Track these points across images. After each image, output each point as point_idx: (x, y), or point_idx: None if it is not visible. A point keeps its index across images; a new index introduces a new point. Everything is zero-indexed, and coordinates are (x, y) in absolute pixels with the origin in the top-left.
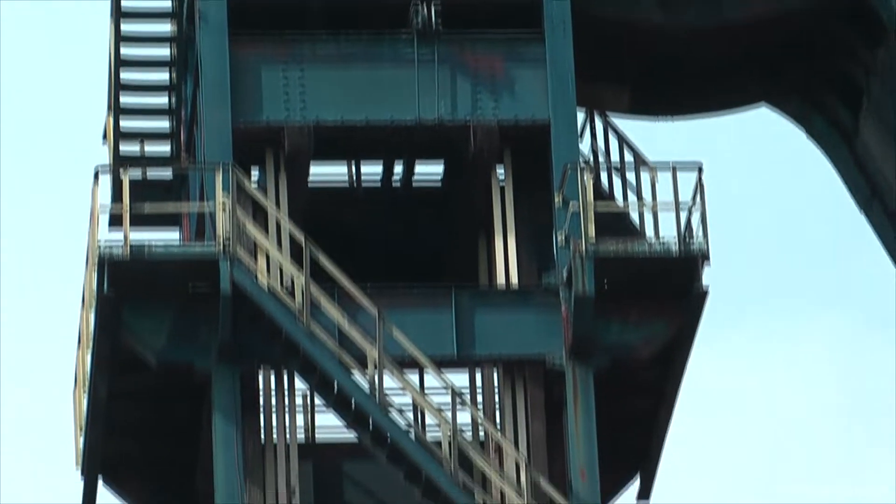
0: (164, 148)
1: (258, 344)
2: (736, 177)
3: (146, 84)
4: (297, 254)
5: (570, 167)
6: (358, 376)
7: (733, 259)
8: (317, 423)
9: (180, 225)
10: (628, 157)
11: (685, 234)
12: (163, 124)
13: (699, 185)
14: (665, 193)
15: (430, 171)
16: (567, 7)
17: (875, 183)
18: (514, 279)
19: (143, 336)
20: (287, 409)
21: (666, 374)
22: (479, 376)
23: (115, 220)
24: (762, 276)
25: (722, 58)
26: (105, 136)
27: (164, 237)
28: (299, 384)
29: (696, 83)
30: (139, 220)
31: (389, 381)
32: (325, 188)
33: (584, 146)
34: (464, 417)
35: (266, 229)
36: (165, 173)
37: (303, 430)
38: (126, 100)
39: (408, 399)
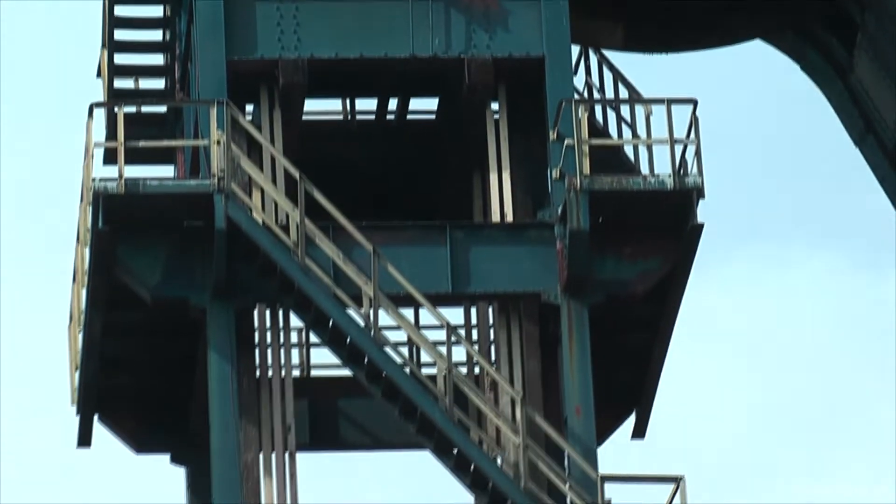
0: (158, 83)
1: (253, 280)
2: (730, 111)
3: (140, 18)
4: (291, 190)
5: (565, 102)
6: (353, 313)
7: (728, 194)
8: (312, 360)
9: (175, 161)
10: (623, 93)
11: (680, 169)
12: (157, 59)
13: (694, 121)
14: (660, 129)
15: (424, 106)
16: None
17: (870, 118)
18: (509, 215)
19: (137, 272)
20: (282, 346)
21: (661, 309)
22: (473, 312)
23: (109, 157)
24: (757, 211)
25: None
26: (99, 72)
27: (159, 173)
28: (294, 320)
29: (690, 18)
30: (134, 156)
31: (384, 318)
32: (319, 123)
33: (579, 82)
34: (459, 354)
35: (261, 165)
36: (160, 109)
37: (298, 367)
38: (120, 35)
39: (403, 335)
